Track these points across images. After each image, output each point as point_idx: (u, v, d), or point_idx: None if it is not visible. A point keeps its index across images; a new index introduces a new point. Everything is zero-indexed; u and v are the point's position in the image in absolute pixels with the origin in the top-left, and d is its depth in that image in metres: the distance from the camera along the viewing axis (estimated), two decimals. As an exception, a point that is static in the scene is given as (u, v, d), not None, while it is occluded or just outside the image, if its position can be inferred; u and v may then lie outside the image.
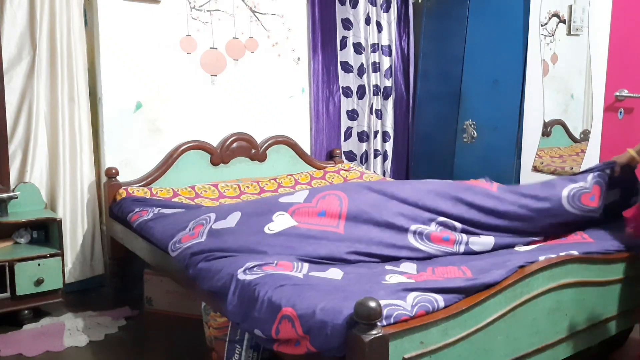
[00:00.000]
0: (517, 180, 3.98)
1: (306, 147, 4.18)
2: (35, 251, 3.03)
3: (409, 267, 2.16)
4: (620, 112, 3.36)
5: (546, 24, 3.82)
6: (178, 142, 3.62)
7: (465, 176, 4.23)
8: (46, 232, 3.24)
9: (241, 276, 2.01)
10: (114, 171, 3.37)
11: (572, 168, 3.66)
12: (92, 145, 3.43)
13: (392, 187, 2.49)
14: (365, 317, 1.54)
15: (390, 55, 4.52)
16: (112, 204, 3.32)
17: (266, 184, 3.69)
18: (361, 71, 4.38)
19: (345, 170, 4.03)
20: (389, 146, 4.61)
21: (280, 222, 2.33)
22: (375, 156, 4.54)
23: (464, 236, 2.34)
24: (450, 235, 2.32)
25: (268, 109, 3.99)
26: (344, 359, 1.60)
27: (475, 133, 4.24)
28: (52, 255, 3.02)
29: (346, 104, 4.38)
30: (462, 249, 2.32)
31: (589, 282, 2.14)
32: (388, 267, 2.14)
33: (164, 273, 2.95)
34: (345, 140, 4.41)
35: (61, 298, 3.08)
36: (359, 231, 2.28)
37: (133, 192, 3.27)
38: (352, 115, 4.40)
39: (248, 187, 3.60)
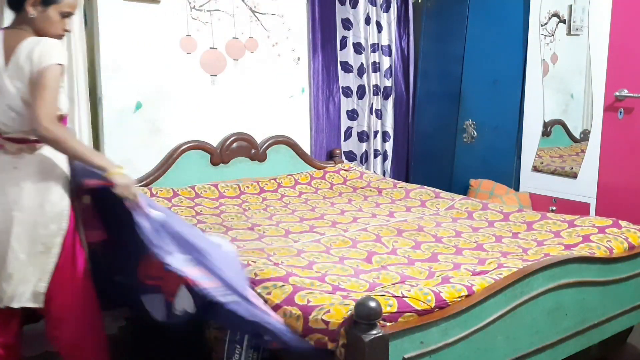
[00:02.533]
0: (517, 180, 3.98)
1: (306, 147, 4.18)
2: (35, 251, 3.03)
3: None
4: (620, 112, 3.36)
5: (546, 24, 3.82)
6: (178, 142, 3.62)
7: (466, 176, 4.25)
8: (46, 232, 3.23)
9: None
10: (114, 171, 3.37)
11: (572, 168, 3.67)
12: (92, 145, 3.42)
13: None
14: (365, 317, 1.54)
15: (390, 55, 4.52)
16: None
17: (266, 184, 3.69)
18: (361, 71, 4.37)
19: (345, 170, 4.03)
20: (389, 146, 4.61)
21: None
22: (375, 156, 4.53)
23: None
24: None
25: (268, 109, 3.99)
26: (344, 359, 1.60)
27: (475, 133, 4.24)
28: (52, 255, 3.01)
29: (346, 104, 4.37)
30: None
31: (589, 282, 2.14)
32: None
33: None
34: (345, 140, 4.41)
35: (61, 298, 3.07)
36: None
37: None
38: (352, 115, 4.40)
39: (248, 187, 3.60)
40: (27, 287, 2.01)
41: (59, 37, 2.01)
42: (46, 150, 1.99)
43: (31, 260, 1.99)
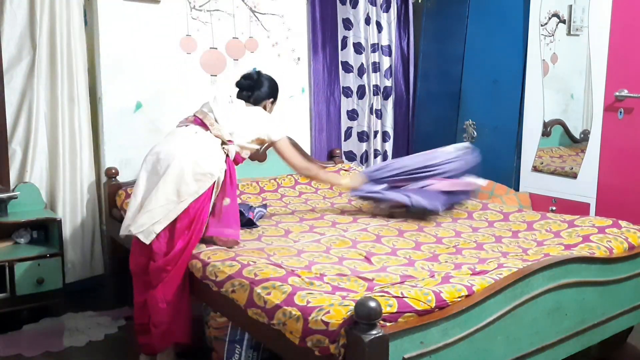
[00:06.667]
0: (517, 180, 3.98)
1: (306, 147, 4.17)
2: (35, 251, 3.04)
3: None
4: (620, 112, 3.36)
5: (546, 24, 3.82)
6: (178, 142, 3.61)
7: (465, 176, 4.24)
8: (46, 232, 3.23)
9: None
10: (113, 171, 3.37)
11: (572, 168, 3.67)
12: (92, 145, 3.42)
13: None
14: (365, 317, 1.54)
15: (390, 55, 4.52)
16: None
17: (266, 184, 3.68)
18: (361, 71, 4.37)
19: (345, 170, 4.03)
20: (389, 146, 4.61)
21: None
22: (375, 156, 4.54)
23: None
24: None
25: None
26: (345, 359, 1.60)
27: (475, 133, 4.24)
28: (52, 255, 3.02)
29: (346, 104, 4.37)
30: None
31: (589, 282, 2.14)
32: None
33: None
34: (345, 140, 4.41)
35: (61, 298, 3.07)
36: None
37: (133, 192, 3.27)
38: (352, 115, 4.40)
39: (248, 187, 3.60)
40: (148, 223, 2.31)
41: None
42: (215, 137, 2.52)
43: (166, 204, 2.31)
